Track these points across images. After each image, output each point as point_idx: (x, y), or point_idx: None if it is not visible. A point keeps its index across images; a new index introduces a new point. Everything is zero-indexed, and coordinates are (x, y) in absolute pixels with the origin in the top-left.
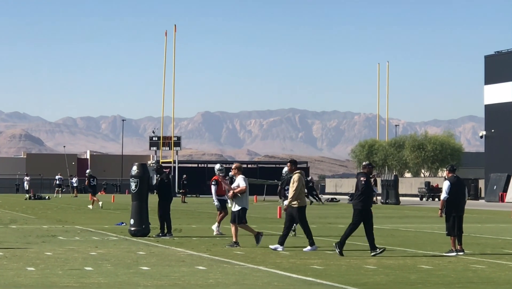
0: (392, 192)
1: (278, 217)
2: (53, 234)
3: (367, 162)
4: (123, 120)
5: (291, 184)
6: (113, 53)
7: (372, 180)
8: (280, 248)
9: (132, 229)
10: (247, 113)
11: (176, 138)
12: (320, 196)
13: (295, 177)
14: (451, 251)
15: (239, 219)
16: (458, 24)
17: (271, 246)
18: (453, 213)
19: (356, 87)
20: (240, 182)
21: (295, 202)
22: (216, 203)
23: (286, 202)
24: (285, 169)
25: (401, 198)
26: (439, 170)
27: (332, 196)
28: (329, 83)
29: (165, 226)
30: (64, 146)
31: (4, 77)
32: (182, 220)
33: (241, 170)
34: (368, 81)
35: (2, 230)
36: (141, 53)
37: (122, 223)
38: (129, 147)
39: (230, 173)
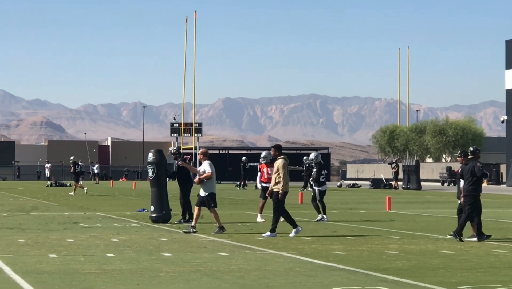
0: (413, 177)
1: (299, 202)
2: (74, 220)
3: (474, 147)
4: (144, 107)
5: (274, 170)
6: (133, 40)
7: (393, 165)
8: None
9: (153, 215)
10: (268, 99)
11: (197, 125)
12: (341, 181)
13: (280, 163)
14: (473, 236)
15: (208, 204)
16: (479, 8)
17: (264, 234)
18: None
19: (377, 73)
20: (206, 167)
21: (276, 187)
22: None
23: (274, 188)
24: (312, 155)
25: (422, 183)
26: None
27: (354, 182)
28: (350, 69)
29: (187, 212)
30: (85, 133)
31: (25, 65)
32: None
33: (207, 155)
34: (389, 66)
35: (24, 217)
36: (162, 39)
37: (144, 209)
38: (150, 134)
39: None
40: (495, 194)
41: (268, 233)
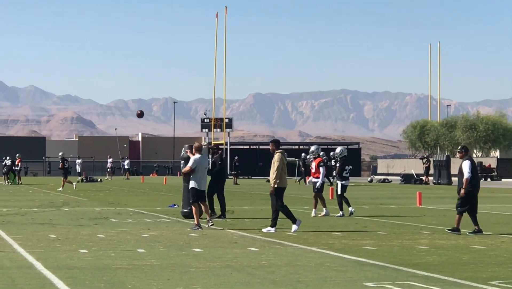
0: (444, 172)
1: (330, 198)
2: (105, 216)
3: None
4: (174, 102)
5: (272, 164)
6: (164, 36)
7: (425, 160)
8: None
9: (184, 210)
10: (299, 94)
11: (227, 120)
12: (372, 176)
13: (276, 157)
14: (475, 231)
15: (191, 198)
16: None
17: (264, 230)
18: (472, 192)
19: (408, 68)
20: (189, 162)
21: (273, 182)
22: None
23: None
24: (337, 150)
25: (453, 178)
26: (491, 150)
27: (384, 177)
28: (380, 64)
29: (215, 206)
30: (116, 128)
31: (56, 60)
32: (234, 201)
33: (198, 150)
34: (420, 61)
35: (55, 213)
36: (192, 35)
37: (174, 205)
38: (181, 129)
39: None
40: None
41: (268, 228)
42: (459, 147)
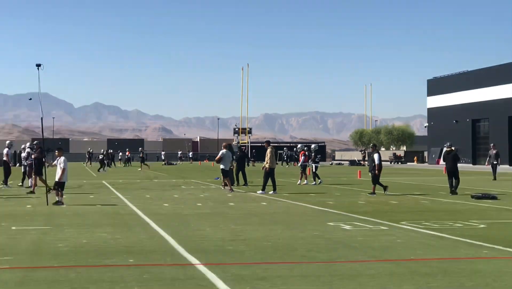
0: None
1: (308, 173)
2: (178, 184)
3: (373, 143)
4: (218, 119)
5: (266, 155)
6: (214, 80)
7: (362, 152)
8: (272, 192)
9: (222, 184)
10: (290, 114)
11: (249, 129)
12: (332, 161)
13: (268, 150)
14: (384, 189)
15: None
16: (406, 47)
17: (258, 192)
18: (379, 172)
19: (353, 97)
20: (219, 153)
21: (267, 165)
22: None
23: (265, 165)
24: (313, 146)
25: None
26: (401, 146)
27: (339, 161)
28: (339, 94)
29: (243, 179)
30: (185, 134)
31: (149, 89)
32: (252, 176)
33: (224, 147)
34: (360, 94)
35: (149, 183)
36: (228, 78)
37: (217, 178)
38: (221, 134)
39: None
40: (420, 168)
41: (260, 191)
42: (371, 144)
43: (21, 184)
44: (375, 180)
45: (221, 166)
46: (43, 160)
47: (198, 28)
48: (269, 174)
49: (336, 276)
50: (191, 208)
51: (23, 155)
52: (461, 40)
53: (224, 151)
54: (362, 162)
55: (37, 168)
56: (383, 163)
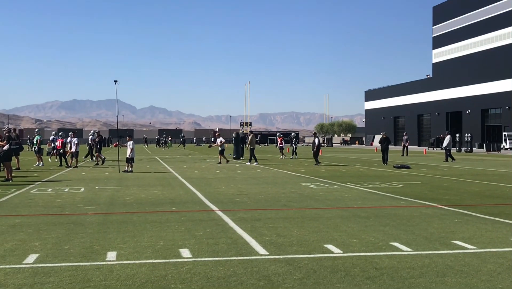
0: (330, 142)
1: (287, 151)
2: (204, 159)
3: (314, 131)
4: (230, 116)
5: (249, 139)
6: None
7: (323, 137)
8: (255, 163)
9: (234, 156)
10: (276, 113)
11: (249, 123)
12: (303, 144)
13: (250, 136)
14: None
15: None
16: (354, 66)
17: (247, 163)
18: (318, 150)
19: (316, 100)
20: (217, 140)
21: (250, 146)
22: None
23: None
24: (292, 134)
25: (335, 145)
26: (348, 134)
27: (307, 144)
28: (312, 97)
29: (252, 157)
30: (209, 126)
31: (185, 91)
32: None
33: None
34: (321, 100)
35: (185, 158)
36: (238, 90)
37: (230, 154)
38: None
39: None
40: (360, 148)
41: (249, 163)
42: (313, 132)
43: (91, 159)
44: (316, 155)
45: (220, 148)
46: (105, 143)
47: (218, 53)
48: (251, 150)
49: (306, 218)
50: (212, 174)
51: (91, 138)
52: (388, 61)
53: (221, 139)
54: (324, 144)
55: (99, 148)
56: (335, 145)
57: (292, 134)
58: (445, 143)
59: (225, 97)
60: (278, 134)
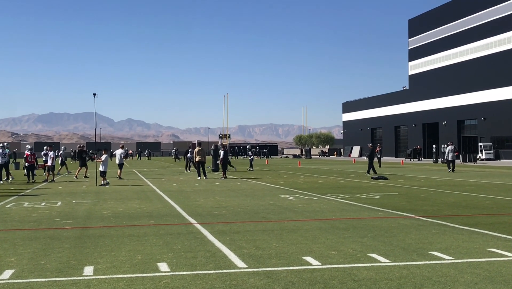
0: (308, 154)
1: (266, 163)
2: (182, 171)
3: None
4: (209, 128)
5: (196, 152)
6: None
7: (301, 149)
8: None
9: (212, 168)
10: (255, 125)
11: (228, 135)
12: (282, 155)
13: (197, 149)
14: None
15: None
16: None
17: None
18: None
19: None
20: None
21: (199, 158)
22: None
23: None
24: (248, 146)
25: (313, 157)
26: (326, 145)
27: (286, 155)
28: (290, 110)
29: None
30: (187, 138)
31: (163, 105)
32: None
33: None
34: (300, 113)
35: (164, 170)
36: (216, 102)
37: (209, 166)
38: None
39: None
40: (338, 160)
41: (199, 177)
42: (248, 146)
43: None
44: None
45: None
46: (89, 156)
47: (196, 65)
48: (199, 163)
49: (285, 230)
50: (191, 187)
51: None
52: (366, 72)
53: (197, 149)
54: (300, 156)
55: (83, 161)
56: (314, 157)
57: (248, 146)
58: (449, 155)
59: (203, 110)
60: (248, 146)
